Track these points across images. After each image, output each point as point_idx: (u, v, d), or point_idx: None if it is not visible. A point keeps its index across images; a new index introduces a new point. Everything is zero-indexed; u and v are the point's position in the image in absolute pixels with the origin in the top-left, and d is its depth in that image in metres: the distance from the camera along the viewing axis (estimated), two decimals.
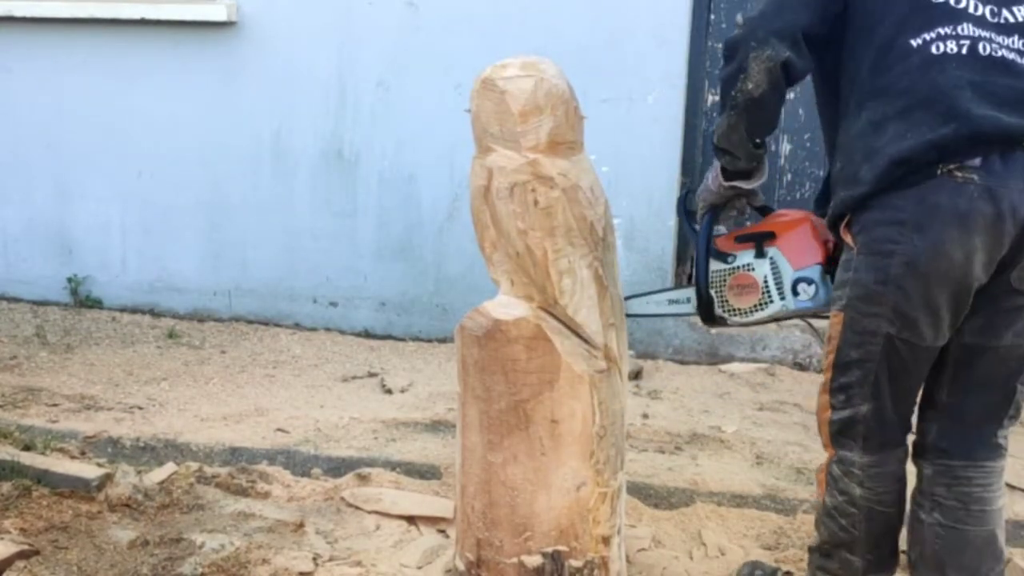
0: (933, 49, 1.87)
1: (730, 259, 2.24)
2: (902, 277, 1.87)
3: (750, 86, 1.94)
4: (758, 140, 2.06)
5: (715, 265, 2.25)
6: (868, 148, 1.89)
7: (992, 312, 1.93)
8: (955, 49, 1.86)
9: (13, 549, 2.32)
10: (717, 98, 4.41)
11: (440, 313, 4.54)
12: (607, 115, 4.13)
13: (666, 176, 4.31)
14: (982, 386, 2.00)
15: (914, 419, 2.10)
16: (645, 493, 2.88)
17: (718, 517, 2.74)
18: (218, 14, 4.53)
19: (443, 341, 4.46)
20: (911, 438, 2.10)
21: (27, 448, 2.94)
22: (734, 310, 2.25)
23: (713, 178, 2.20)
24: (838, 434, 2.04)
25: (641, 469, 3.03)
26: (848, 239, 1.97)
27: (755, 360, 4.27)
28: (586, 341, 2.04)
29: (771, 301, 2.20)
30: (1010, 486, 3.03)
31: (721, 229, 2.34)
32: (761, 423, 3.54)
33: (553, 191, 1.98)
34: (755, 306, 2.22)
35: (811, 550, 2.18)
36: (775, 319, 2.26)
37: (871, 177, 1.88)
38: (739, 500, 2.86)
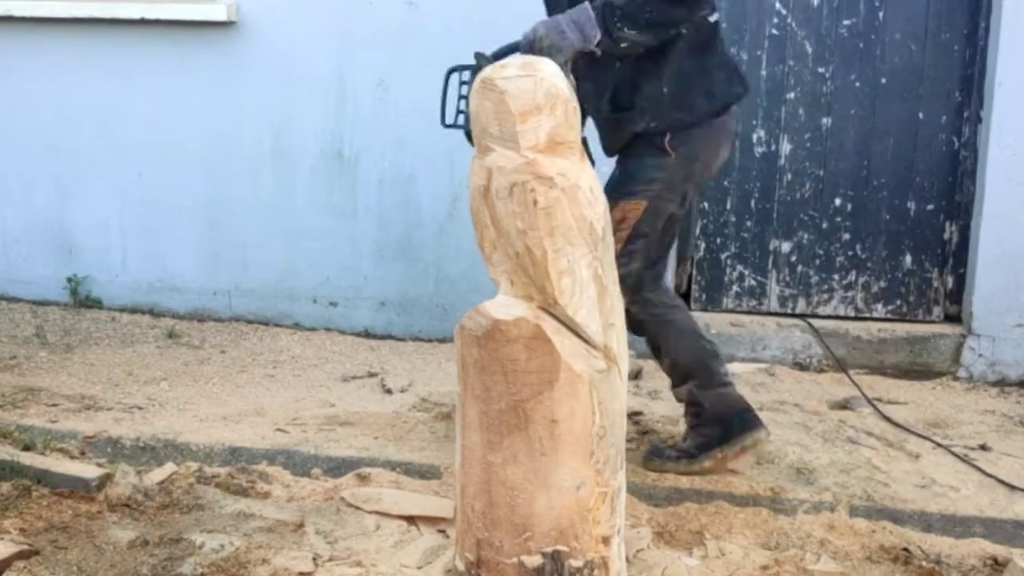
0: None
1: None
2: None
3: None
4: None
5: None
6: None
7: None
8: None
9: (13, 549, 2.32)
10: None
11: (440, 313, 4.54)
12: None
13: None
14: None
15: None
16: (645, 493, 2.88)
17: (718, 517, 2.73)
18: (218, 14, 4.53)
19: (443, 341, 4.46)
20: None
21: (27, 448, 2.94)
22: None
23: (588, 34, 2.47)
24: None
25: (641, 469, 3.03)
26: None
27: (755, 360, 4.27)
28: (586, 341, 2.04)
29: None
30: (1010, 486, 3.04)
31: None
32: None
33: (553, 191, 1.98)
34: None
35: None
36: None
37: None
38: (739, 500, 2.86)
